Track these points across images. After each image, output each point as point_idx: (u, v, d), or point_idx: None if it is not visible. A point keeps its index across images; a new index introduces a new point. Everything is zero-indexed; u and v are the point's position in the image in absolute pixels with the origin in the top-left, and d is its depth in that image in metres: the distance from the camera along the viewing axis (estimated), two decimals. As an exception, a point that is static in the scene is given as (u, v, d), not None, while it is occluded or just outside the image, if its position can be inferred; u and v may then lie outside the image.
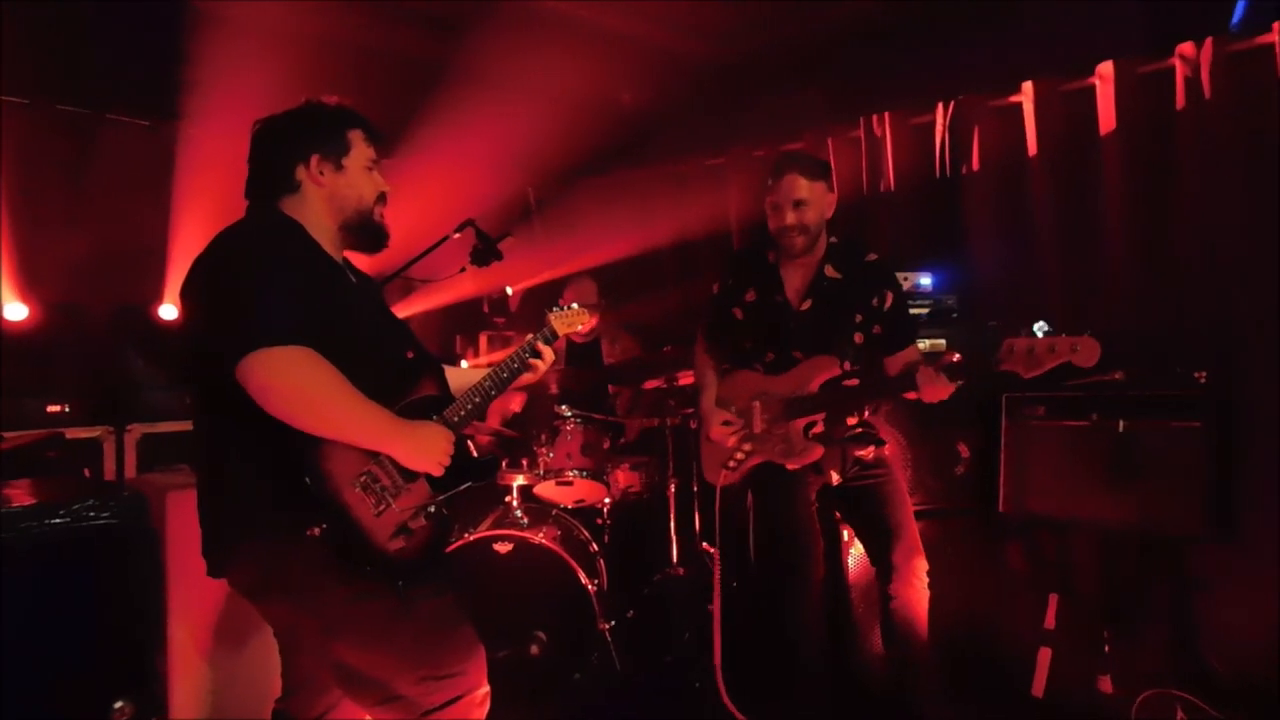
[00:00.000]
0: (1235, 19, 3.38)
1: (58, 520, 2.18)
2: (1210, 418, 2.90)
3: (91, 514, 2.22)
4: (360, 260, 2.12)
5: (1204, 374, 3.02)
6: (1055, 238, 3.67)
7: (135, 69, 3.99)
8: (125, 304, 4.20)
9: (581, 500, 3.77)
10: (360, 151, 1.99)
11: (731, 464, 2.82)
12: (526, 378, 2.21)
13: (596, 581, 3.43)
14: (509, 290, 4.57)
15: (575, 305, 2.38)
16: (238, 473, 1.80)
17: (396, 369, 1.96)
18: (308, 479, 1.72)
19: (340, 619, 1.79)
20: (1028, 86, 3.71)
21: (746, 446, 2.80)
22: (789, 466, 2.76)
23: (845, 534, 3.23)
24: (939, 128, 3.96)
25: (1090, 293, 3.59)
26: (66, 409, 3.84)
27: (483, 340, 4.96)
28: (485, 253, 3.04)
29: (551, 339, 2.28)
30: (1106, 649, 3.05)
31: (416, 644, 1.82)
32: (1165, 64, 3.38)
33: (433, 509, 1.87)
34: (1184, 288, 3.36)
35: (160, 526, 2.68)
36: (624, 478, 3.83)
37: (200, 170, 4.01)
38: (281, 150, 1.96)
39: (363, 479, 1.78)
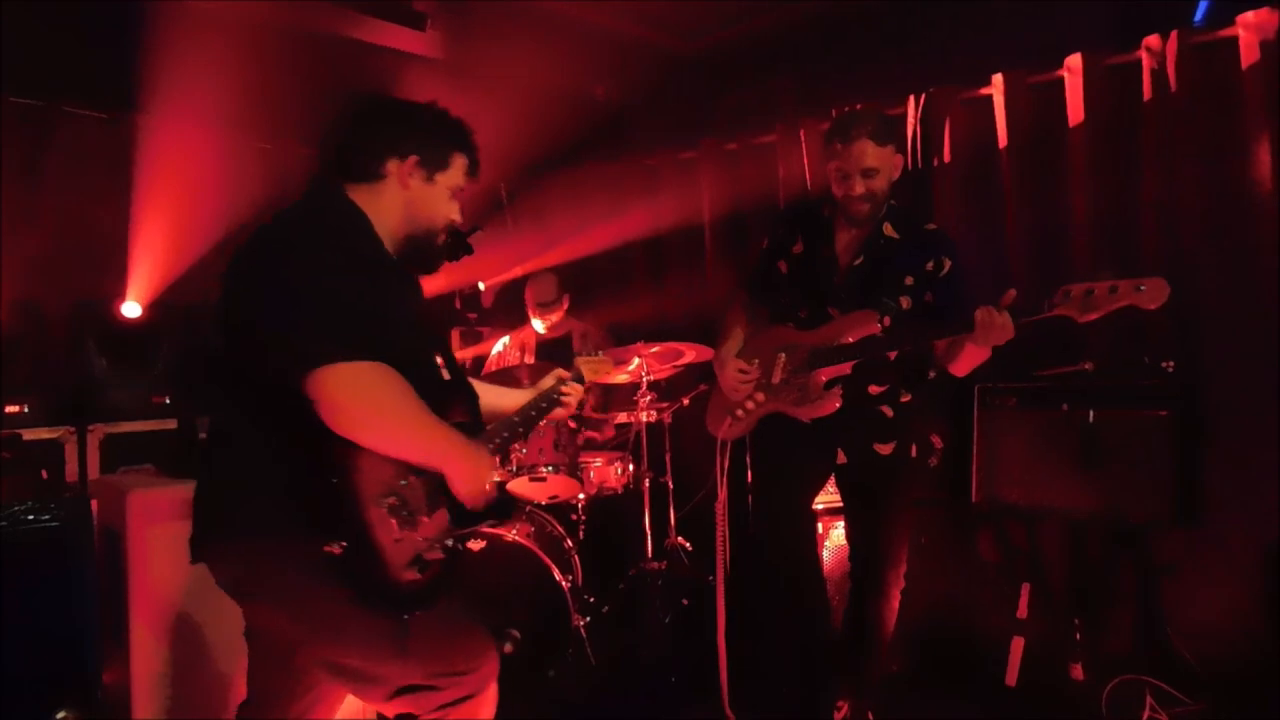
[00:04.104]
0: (1199, 13, 3.42)
1: (-7, 524, 2.09)
2: (1177, 406, 2.93)
3: (30, 517, 2.14)
4: None
5: (1171, 363, 3.06)
6: (1025, 228, 3.69)
7: (92, 60, 3.89)
8: (86, 300, 4.10)
9: (555, 496, 3.74)
10: (455, 176, 1.93)
11: (740, 413, 2.69)
12: (558, 413, 2.26)
13: (571, 577, 3.41)
14: (481, 285, 4.54)
15: (601, 353, 2.48)
16: (260, 471, 1.70)
17: (435, 389, 1.82)
18: (334, 479, 1.62)
19: (339, 629, 1.71)
20: (997, 79, 3.73)
21: (759, 396, 2.66)
22: (802, 418, 2.60)
23: (820, 526, 3.22)
24: (910, 120, 3.97)
25: (1060, 282, 3.60)
26: (26, 409, 3.73)
27: (454, 336, 4.91)
28: (455, 247, 2.99)
29: (579, 381, 2.32)
30: (1078, 637, 3.08)
31: (422, 645, 1.74)
32: (1132, 56, 3.42)
33: (450, 542, 1.78)
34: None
35: (121, 527, 2.62)
36: (598, 473, 3.80)
37: (160, 163, 3.92)
38: (382, 135, 1.85)
39: (391, 500, 1.68)
